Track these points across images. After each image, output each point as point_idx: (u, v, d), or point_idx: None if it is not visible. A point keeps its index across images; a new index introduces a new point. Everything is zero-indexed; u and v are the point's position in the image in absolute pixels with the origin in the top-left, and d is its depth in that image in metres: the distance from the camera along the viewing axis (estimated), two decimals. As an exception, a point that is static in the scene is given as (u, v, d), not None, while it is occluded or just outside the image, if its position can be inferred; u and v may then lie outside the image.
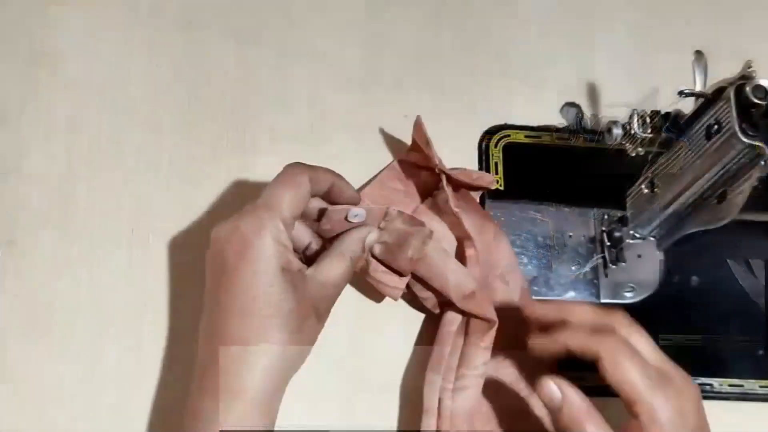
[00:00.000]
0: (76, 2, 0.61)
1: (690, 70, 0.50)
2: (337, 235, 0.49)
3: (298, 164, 0.48)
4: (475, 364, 0.52)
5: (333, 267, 0.47)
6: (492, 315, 0.51)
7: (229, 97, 0.60)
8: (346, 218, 0.49)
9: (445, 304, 0.53)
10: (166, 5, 0.62)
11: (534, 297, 0.57)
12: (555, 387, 0.45)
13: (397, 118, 0.61)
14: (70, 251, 0.55)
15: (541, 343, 0.48)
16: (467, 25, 0.65)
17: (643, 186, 0.55)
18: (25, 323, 0.53)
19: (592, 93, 0.64)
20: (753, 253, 0.61)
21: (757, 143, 0.45)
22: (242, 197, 0.57)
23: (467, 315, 0.52)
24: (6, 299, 0.53)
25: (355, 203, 0.50)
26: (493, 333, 0.52)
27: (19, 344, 0.52)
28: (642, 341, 0.46)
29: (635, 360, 0.44)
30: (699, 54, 0.50)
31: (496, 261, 0.55)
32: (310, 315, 0.45)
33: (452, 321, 0.53)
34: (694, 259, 0.60)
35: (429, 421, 0.50)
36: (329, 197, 0.50)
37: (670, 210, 0.53)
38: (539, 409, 0.52)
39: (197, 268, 0.55)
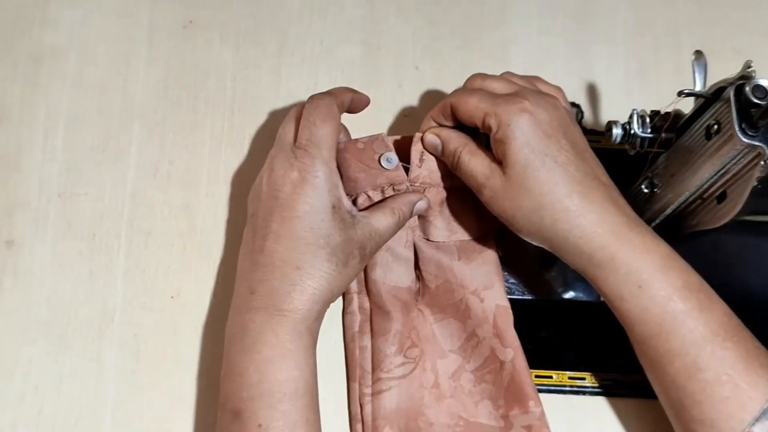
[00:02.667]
0: (76, 1, 0.61)
1: (690, 70, 0.50)
2: (391, 196, 0.52)
3: (325, 95, 0.51)
4: (389, 368, 0.52)
5: (383, 218, 0.50)
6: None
7: (229, 96, 0.60)
8: (379, 161, 0.52)
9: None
10: (166, 5, 0.62)
11: (534, 296, 0.57)
12: (431, 134, 0.52)
13: (397, 118, 0.61)
14: (70, 251, 0.55)
15: (423, 132, 0.53)
16: (467, 25, 0.65)
17: (643, 186, 0.55)
18: (25, 323, 0.53)
19: (592, 93, 0.64)
20: (753, 253, 0.61)
21: (757, 143, 0.45)
22: (242, 197, 0.57)
23: (370, 310, 0.53)
24: (6, 299, 0.53)
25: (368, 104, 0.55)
26: (400, 336, 0.52)
27: (19, 344, 0.52)
28: (496, 81, 0.52)
29: (479, 93, 0.50)
30: (699, 54, 0.50)
31: (472, 276, 0.54)
32: (354, 253, 0.48)
33: (352, 324, 0.53)
34: (694, 259, 0.59)
35: (356, 426, 0.52)
36: (349, 110, 0.54)
37: (670, 210, 0.53)
38: None
39: (197, 267, 0.55)
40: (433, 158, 0.53)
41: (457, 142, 0.52)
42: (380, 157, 0.52)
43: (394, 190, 0.52)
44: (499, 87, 0.51)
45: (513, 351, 0.52)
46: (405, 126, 0.61)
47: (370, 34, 0.63)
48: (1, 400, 0.51)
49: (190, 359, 0.53)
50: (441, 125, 0.53)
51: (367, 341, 0.53)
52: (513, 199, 0.48)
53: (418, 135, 0.53)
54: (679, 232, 0.53)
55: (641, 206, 0.55)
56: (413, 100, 0.62)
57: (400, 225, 0.51)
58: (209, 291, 0.55)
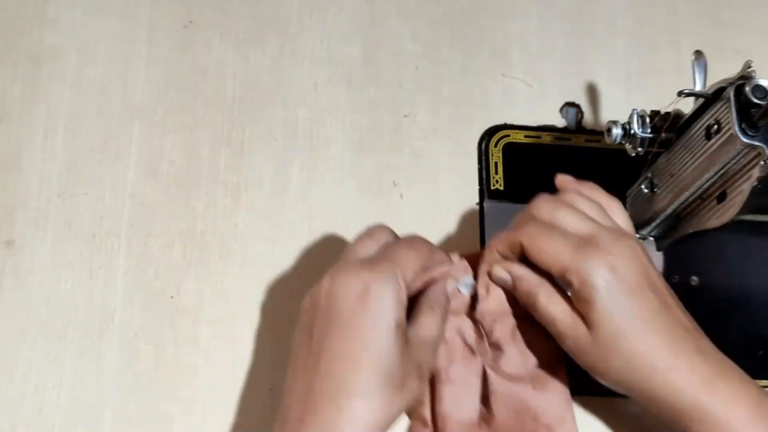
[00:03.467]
0: (76, 1, 0.61)
1: (690, 70, 0.50)
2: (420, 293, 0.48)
3: (421, 237, 0.49)
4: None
5: (426, 321, 0.46)
6: None
7: (229, 97, 0.60)
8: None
9: None
10: (166, 5, 0.62)
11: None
12: (502, 269, 0.49)
13: (397, 118, 0.61)
14: (70, 251, 0.55)
15: (489, 264, 0.50)
16: (467, 25, 0.65)
17: (643, 186, 0.55)
18: (25, 323, 0.53)
19: (592, 93, 0.64)
20: (753, 253, 0.61)
21: (756, 143, 0.45)
22: (242, 197, 0.57)
23: None
24: (6, 299, 0.53)
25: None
26: None
27: (19, 344, 0.52)
28: (569, 215, 0.48)
29: (553, 235, 0.46)
30: (699, 54, 0.50)
31: (547, 408, 0.51)
32: (412, 374, 0.44)
33: None
34: (694, 259, 0.59)
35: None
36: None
37: (670, 210, 0.53)
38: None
39: (197, 267, 0.55)
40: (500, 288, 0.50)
41: (532, 282, 0.48)
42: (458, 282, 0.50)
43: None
44: (572, 223, 0.47)
45: None
46: (405, 126, 0.61)
47: (370, 34, 0.63)
48: (1, 400, 0.51)
49: (190, 359, 0.53)
50: (507, 258, 0.50)
51: None
52: (601, 358, 0.46)
53: (484, 267, 0.50)
54: (678, 232, 0.53)
55: (641, 206, 0.55)
56: (413, 100, 0.62)
57: (444, 318, 0.48)
58: (209, 291, 0.55)
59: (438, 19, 0.65)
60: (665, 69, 0.65)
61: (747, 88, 0.44)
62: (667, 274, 0.59)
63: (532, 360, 0.51)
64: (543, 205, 0.49)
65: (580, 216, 0.48)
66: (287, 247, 0.57)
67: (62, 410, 0.51)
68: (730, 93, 0.45)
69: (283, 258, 0.56)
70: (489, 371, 0.50)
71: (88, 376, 0.52)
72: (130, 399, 0.52)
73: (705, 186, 0.49)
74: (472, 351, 0.51)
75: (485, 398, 0.51)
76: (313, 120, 0.60)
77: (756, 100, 0.44)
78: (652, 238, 0.56)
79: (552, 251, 0.46)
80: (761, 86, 0.44)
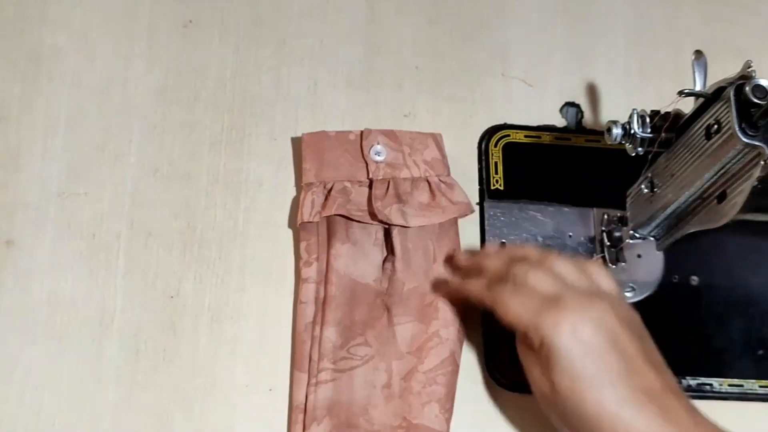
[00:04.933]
0: (76, 1, 0.61)
1: (690, 70, 0.50)
2: None
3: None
4: (334, 360, 0.52)
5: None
6: None
7: (229, 97, 0.60)
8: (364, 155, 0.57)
9: None
10: (166, 5, 0.62)
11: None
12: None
13: (397, 118, 0.61)
14: (70, 251, 0.55)
15: (455, 285, 0.53)
16: (467, 25, 0.65)
17: (643, 186, 0.55)
18: (25, 323, 0.53)
19: (592, 93, 0.64)
20: (753, 253, 0.61)
21: (757, 143, 0.45)
22: (242, 197, 0.57)
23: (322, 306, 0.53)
24: (6, 299, 0.53)
25: None
26: (349, 332, 0.52)
27: (19, 344, 0.52)
28: (540, 275, 0.48)
29: (519, 295, 0.48)
30: (699, 54, 0.50)
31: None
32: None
33: (306, 314, 0.53)
34: (694, 259, 0.59)
35: (297, 416, 0.51)
36: None
37: (670, 210, 0.52)
38: None
39: (197, 267, 0.55)
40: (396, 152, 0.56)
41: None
42: (371, 149, 0.55)
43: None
44: (542, 284, 0.48)
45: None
46: (405, 126, 0.61)
47: (370, 34, 0.63)
48: (1, 400, 0.51)
49: (190, 359, 0.53)
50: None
51: (318, 331, 0.53)
52: (561, 414, 0.46)
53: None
54: (679, 232, 0.53)
55: (641, 206, 0.55)
56: (413, 100, 0.62)
57: None
58: (209, 291, 0.55)
59: (438, 19, 0.65)
60: (665, 69, 0.65)
61: (747, 88, 0.44)
62: (667, 274, 0.59)
63: (435, 217, 0.56)
64: (518, 266, 0.49)
65: (552, 277, 0.48)
66: (287, 247, 0.57)
67: (62, 410, 0.51)
68: (730, 93, 0.45)
69: (283, 258, 0.56)
70: (395, 234, 0.55)
71: (88, 376, 0.52)
72: (130, 399, 0.52)
73: (705, 186, 0.49)
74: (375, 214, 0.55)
75: (391, 265, 0.55)
76: (312, 120, 0.60)
77: (756, 100, 0.44)
78: (652, 238, 0.56)
79: (516, 310, 0.47)
80: (761, 86, 0.44)
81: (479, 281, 0.51)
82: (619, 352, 0.45)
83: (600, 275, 0.50)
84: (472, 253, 0.56)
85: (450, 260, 0.56)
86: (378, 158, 0.56)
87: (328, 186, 0.55)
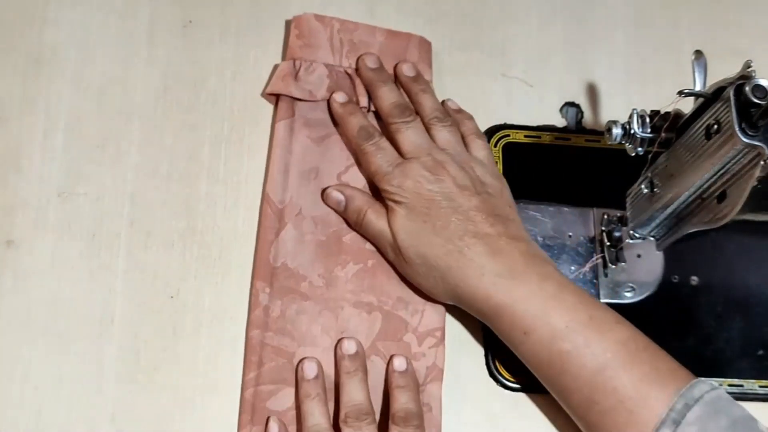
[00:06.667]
0: (76, 1, 0.61)
1: (690, 70, 0.50)
2: None
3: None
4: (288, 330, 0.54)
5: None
6: None
7: (229, 96, 0.60)
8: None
9: None
10: (166, 5, 0.62)
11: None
12: (335, 191, 0.55)
13: (397, 118, 0.61)
14: (70, 251, 0.55)
15: (339, 112, 0.57)
16: (467, 25, 0.65)
17: (643, 186, 0.55)
18: (25, 323, 0.53)
19: (592, 93, 0.64)
20: (753, 253, 0.61)
21: (757, 143, 0.45)
22: (242, 197, 0.57)
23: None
24: (6, 299, 0.53)
25: None
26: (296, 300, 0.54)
27: (19, 344, 0.52)
28: (413, 131, 0.55)
29: (385, 150, 0.54)
30: (699, 54, 0.50)
31: None
32: None
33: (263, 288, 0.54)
34: (694, 259, 0.60)
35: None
36: None
37: (670, 210, 0.53)
38: None
39: (197, 267, 0.55)
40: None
41: (363, 200, 0.55)
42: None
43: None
44: (408, 143, 0.54)
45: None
46: (405, 126, 0.60)
47: (370, 34, 0.63)
48: (1, 400, 0.51)
49: (190, 359, 0.53)
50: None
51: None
52: (409, 267, 0.53)
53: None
54: (679, 232, 0.53)
55: (641, 206, 0.55)
56: (413, 100, 0.62)
57: None
58: (209, 291, 0.55)
59: (438, 19, 0.65)
60: (665, 69, 0.65)
61: (747, 88, 0.44)
62: (667, 274, 0.59)
63: None
64: (405, 126, 0.55)
65: (423, 137, 0.55)
66: (287, 247, 0.57)
67: (62, 410, 0.51)
68: (730, 93, 0.45)
69: (283, 258, 0.56)
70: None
71: (88, 376, 0.52)
72: (130, 399, 0.52)
73: (705, 186, 0.49)
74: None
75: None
76: (313, 120, 0.60)
77: (756, 100, 0.44)
78: (652, 238, 0.56)
79: (377, 162, 0.54)
80: (761, 86, 0.44)
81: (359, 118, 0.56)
82: (453, 210, 0.51)
83: (480, 147, 0.57)
84: (389, 89, 0.58)
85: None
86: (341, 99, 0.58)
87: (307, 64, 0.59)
